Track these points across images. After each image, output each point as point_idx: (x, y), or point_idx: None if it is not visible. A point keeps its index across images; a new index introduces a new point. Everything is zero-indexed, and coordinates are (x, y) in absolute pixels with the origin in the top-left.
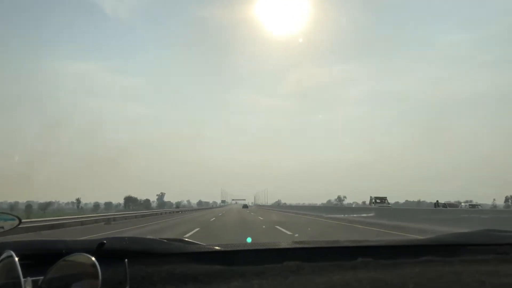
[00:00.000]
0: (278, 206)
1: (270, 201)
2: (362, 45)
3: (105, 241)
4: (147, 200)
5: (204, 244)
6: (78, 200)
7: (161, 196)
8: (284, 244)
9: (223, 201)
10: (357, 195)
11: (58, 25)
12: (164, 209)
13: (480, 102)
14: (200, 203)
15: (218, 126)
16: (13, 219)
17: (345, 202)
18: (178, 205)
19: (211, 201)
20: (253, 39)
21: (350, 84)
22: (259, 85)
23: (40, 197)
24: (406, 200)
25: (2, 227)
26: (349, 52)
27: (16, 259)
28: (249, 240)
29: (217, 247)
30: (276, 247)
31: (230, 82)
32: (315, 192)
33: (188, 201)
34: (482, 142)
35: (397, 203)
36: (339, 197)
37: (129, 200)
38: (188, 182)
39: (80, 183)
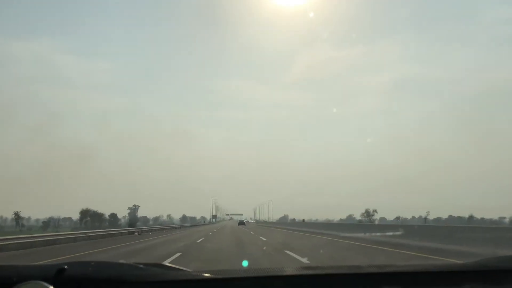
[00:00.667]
0: (285, 223)
1: (275, 216)
2: (389, 21)
3: (66, 267)
4: (113, 215)
5: (190, 270)
6: (17, 215)
7: (134, 209)
8: (290, 270)
9: (213, 216)
10: (387, 209)
11: None
12: (116, 229)
13: None
14: (184, 219)
15: (210, 123)
16: None
17: (375, 217)
18: (129, 222)
19: (198, 216)
20: (253, 16)
21: (374, 69)
22: (261, 72)
23: None
24: (450, 215)
25: None
26: (372, 29)
27: None
28: (245, 264)
29: (206, 274)
30: (280, 273)
31: (225, 68)
32: (332, 205)
33: (169, 216)
34: None
35: (438, 218)
36: (367, 212)
37: (86, 215)
38: (171, 193)
39: (31, 194)
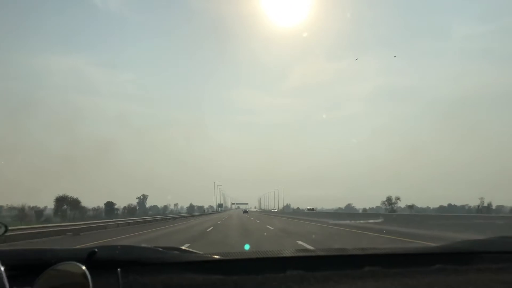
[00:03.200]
0: (288, 212)
1: (280, 205)
2: (370, 38)
3: (96, 250)
4: (110, 204)
5: (202, 252)
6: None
7: (142, 199)
8: (287, 252)
9: (220, 205)
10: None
11: (45, 16)
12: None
13: (498, 98)
14: (191, 208)
15: (220, 125)
16: None
17: (398, 205)
18: (127, 212)
19: (206, 205)
20: (255, 34)
21: (359, 79)
22: (262, 82)
23: None
24: (428, 207)
25: None
26: (356, 46)
27: (2, 269)
28: (247, 247)
29: (216, 256)
30: (278, 255)
31: (231, 79)
32: (331, 196)
33: (176, 205)
34: (502, 142)
35: (422, 208)
36: (388, 199)
37: (63, 203)
38: (181, 184)
39: (56, 183)
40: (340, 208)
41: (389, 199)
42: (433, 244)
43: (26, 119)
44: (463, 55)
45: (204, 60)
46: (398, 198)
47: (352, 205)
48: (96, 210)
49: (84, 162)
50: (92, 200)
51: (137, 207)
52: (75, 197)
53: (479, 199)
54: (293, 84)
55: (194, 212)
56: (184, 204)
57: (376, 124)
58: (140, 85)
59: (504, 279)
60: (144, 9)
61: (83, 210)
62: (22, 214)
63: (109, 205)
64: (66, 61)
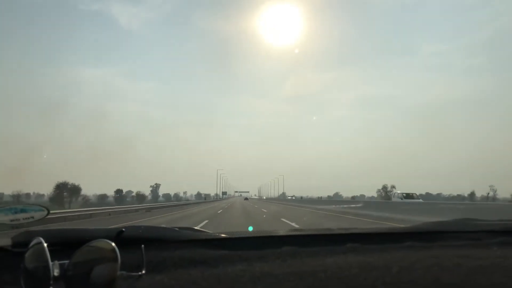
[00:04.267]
0: (283, 200)
1: (275, 194)
2: (351, 54)
3: (124, 229)
4: (119, 191)
5: (212, 232)
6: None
7: (155, 187)
8: (283, 232)
9: (224, 193)
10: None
11: (80, 36)
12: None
13: (456, 105)
14: (198, 195)
15: (225, 126)
16: (42, 210)
17: (394, 192)
18: (136, 199)
19: (212, 193)
20: (255, 50)
21: (342, 89)
22: (261, 91)
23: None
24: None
25: (33, 217)
26: (339, 60)
27: (45, 245)
28: (250, 228)
29: (223, 235)
30: (276, 234)
31: (234, 87)
32: (320, 185)
33: (185, 193)
34: (464, 141)
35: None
36: (384, 188)
37: (62, 190)
38: (189, 174)
39: (68, 174)
40: (329, 196)
41: (384, 188)
42: (401, 225)
43: (61, 120)
44: (428, 69)
45: (211, 71)
46: (393, 187)
47: (339, 193)
48: (98, 197)
49: (108, 156)
50: (110, 188)
51: (151, 195)
52: (76, 184)
53: (489, 186)
54: (287, 92)
55: (201, 199)
56: (192, 192)
57: (359, 126)
58: (157, 92)
59: (463, 253)
60: (161, 29)
61: (85, 197)
62: (17, 200)
63: (119, 192)
64: (96, 72)
